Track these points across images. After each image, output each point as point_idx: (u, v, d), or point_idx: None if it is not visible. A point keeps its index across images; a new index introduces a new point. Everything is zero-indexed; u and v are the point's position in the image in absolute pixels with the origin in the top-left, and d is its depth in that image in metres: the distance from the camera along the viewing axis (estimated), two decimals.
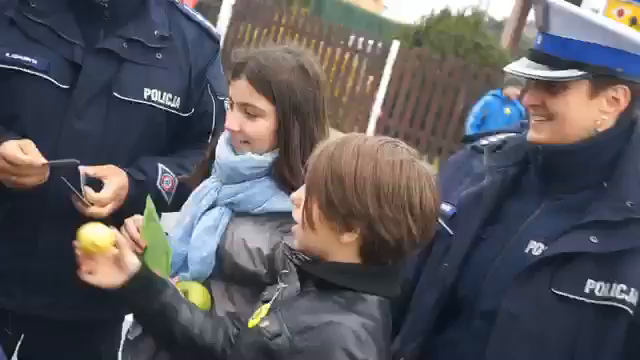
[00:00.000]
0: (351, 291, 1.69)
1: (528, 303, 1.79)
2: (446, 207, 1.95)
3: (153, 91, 2.34)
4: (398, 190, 1.67)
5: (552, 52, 1.82)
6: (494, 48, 14.35)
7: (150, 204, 2.05)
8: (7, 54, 2.22)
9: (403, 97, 11.96)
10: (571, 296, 1.77)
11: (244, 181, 2.05)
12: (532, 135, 1.87)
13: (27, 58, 2.23)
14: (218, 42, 2.52)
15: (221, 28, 13.50)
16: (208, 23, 2.53)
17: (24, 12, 2.25)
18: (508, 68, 1.90)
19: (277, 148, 2.04)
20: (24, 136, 2.21)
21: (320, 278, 1.72)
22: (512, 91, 9.30)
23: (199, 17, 2.52)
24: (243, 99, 2.03)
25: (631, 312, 1.76)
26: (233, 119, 2.04)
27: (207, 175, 2.16)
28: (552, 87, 1.82)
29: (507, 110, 9.25)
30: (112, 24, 2.30)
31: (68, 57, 2.26)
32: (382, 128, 11.95)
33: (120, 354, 2.19)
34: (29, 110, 2.24)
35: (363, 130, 11.93)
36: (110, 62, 2.30)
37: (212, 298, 2.04)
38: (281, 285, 1.81)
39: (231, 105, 2.07)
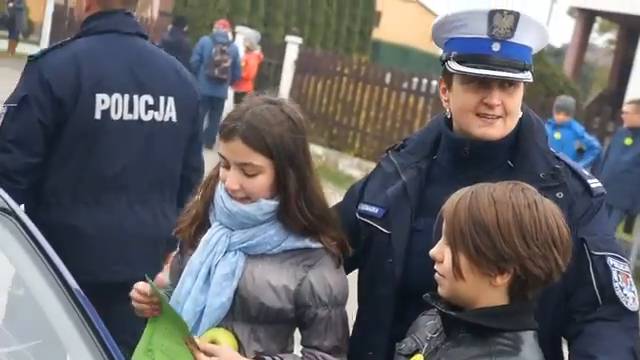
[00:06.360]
0: (507, 331, 1.80)
1: None
2: (374, 209, 2.20)
3: None
4: (540, 227, 1.79)
5: (516, 57, 2.05)
6: (557, 76, 14.31)
7: (151, 283, 2.12)
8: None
9: None
10: None
11: (256, 225, 2.11)
12: (486, 131, 2.08)
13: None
14: None
15: (285, 84, 13.79)
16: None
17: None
18: (476, 73, 2.05)
19: (278, 195, 2.11)
20: None
21: (473, 324, 1.81)
22: (560, 117, 9.33)
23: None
24: (241, 159, 2.08)
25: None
26: (233, 179, 2.09)
27: (202, 223, 2.20)
28: (507, 88, 2.06)
29: (557, 135, 9.23)
30: None
31: None
32: None
33: None
34: None
35: None
36: None
37: (239, 342, 2.09)
38: (429, 335, 1.90)
39: (226, 165, 2.12)
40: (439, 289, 1.87)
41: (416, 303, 1.98)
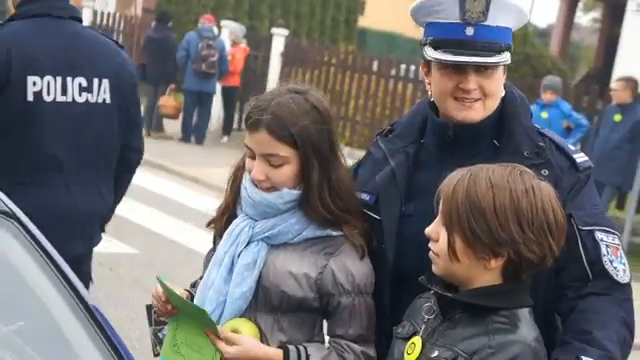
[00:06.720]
0: (504, 310, 1.83)
1: None
2: (365, 196, 2.20)
3: None
4: (536, 213, 1.80)
5: (490, 40, 2.04)
6: (544, 57, 14.35)
7: (163, 284, 2.13)
8: None
9: None
10: None
11: (278, 214, 2.14)
12: (466, 114, 2.09)
13: None
14: None
15: (273, 76, 13.77)
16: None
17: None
18: (450, 60, 2.06)
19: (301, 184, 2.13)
20: None
21: (469, 304, 1.83)
22: (547, 96, 9.37)
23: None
24: (266, 150, 2.11)
25: None
26: (259, 170, 2.12)
27: (231, 215, 2.24)
28: (484, 71, 2.06)
29: (544, 114, 9.28)
30: None
31: None
32: None
33: None
34: None
35: None
36: None
37: (261, 332, 2.12)
38: (426, 317, 1.92)
39: (252, 156, 2.14)
40: (433, 267, 1.89)
41: (410, 287, 2.01)
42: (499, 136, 2.13)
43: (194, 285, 2.33)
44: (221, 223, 2.26)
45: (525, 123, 2.16)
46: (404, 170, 2.19)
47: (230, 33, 13.72)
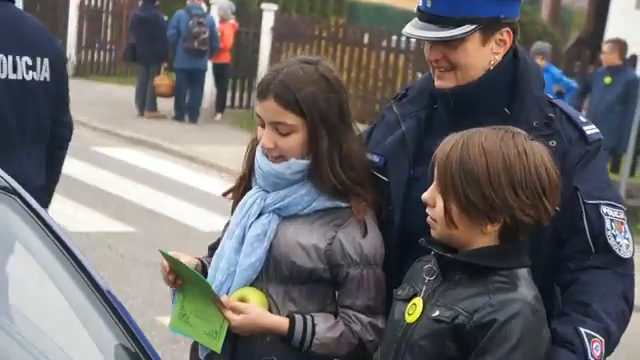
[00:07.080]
0: (503, 270, 1.86)
1: None
2: (375, 158, 2.22)
3: None
4: (530, 177, 1.83)
5: (444, 13, 2.06)
6: (536, 23, 14.33)
7: (167, 255, 2.15)
8: None
9: None
10: None
11: (288, 186, 2.16)
12: (440, 84, 2.13)
13: None
14: None
15: (264, 51, 13.73)
16: None
17: None
18: (405, 33, 2.14)
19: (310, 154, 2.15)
20: None
21: (469, 264, 1.87)
22: (537, 62, 9.38)
23: None
24: (274, 118, 2.14)
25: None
26: (267, 138, 2.15)
27: (247, 186, 2.27)
28: (450, 42, 2.07)
29: None
30: None
31: None
32: None
33: None
34: None
35: None
36: None
37: (272, 302, 2.15)
38: (427, 278, 1.95)
39: (262, 124, 2.18)
40: (432, 232, 1.93)
41: (416, 249, 2.03)
42: (511, 104, 2.13)
43: (213, 248, 2.35)
44: (238, 194, 2.30)
45: (536, 93, 2.15)
46: (414, 134, 2.20)
47: (218, 9, 13.65)
